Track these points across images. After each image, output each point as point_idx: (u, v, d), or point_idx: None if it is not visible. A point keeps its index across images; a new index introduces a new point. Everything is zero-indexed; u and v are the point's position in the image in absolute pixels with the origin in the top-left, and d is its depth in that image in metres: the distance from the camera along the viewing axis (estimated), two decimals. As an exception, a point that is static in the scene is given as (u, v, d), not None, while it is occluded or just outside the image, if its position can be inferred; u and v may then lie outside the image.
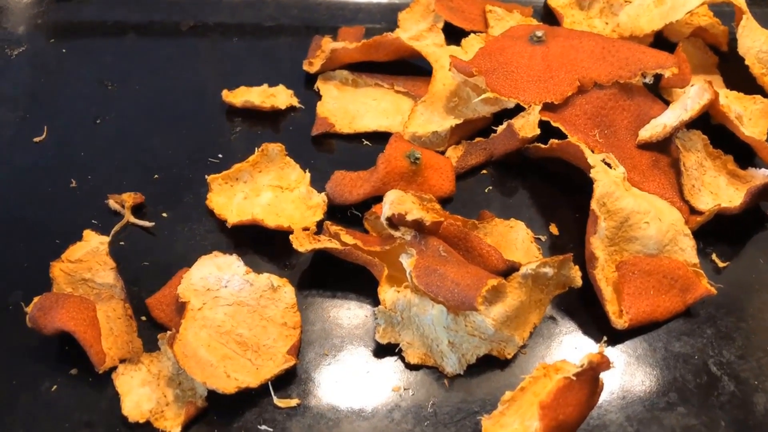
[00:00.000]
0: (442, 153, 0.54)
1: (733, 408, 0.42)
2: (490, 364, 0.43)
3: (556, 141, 0.50)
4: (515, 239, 0.48)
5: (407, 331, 0.43)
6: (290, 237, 0.45)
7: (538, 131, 0.51)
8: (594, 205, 0.45)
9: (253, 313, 0.44)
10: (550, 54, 0.54)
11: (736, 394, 0.43)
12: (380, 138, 0.55)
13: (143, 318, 0.46)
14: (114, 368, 0.43)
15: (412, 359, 0.43)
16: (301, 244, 0.45)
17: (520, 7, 0.65)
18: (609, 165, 0.48)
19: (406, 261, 0.42)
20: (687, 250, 0.47)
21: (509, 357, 0.43)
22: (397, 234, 0.45)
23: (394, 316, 0.43)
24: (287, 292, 0.44)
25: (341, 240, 0.45)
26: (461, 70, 0.53)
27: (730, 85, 0.60)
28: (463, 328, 0.42)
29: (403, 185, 0.49)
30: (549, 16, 0.67)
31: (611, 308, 0.45)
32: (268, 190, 0.51)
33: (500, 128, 0.53)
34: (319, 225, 0.49)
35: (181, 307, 0.44)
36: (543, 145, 0.51)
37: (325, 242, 0.45)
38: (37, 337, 0.43)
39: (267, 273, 0.45)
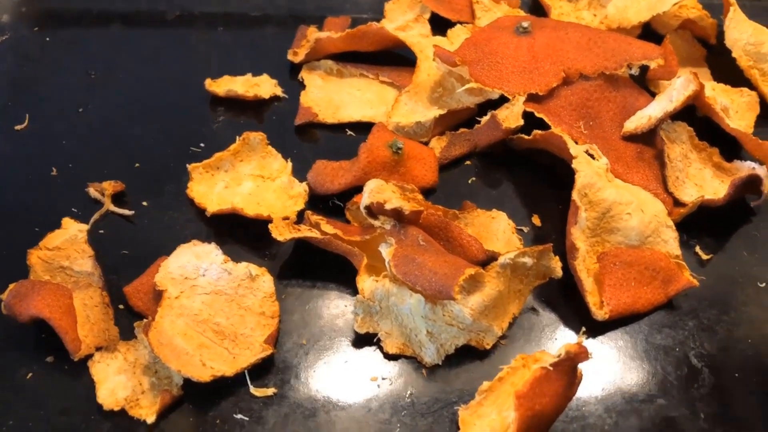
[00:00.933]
0: (426, 143, 0.54)
1: (713, 400, 0.42)
2: (469, 354, 0.43)
3: (539, 132, 0.50)
4: (496, 230, 0.47)
5: (386, 321, 0.43)
6: (269, 226, 0.45)
7: (521, 122, 0.51)
8: (575, 195, 0.45)
9: (230, 302, 0.44)
10: (536, 45, 0.53)
11: (716, 386, 0.43)
12: (364, 128, 0.54)
13: (121, 306, 0.45)
14: (90, 356, 0.42)
15: (391, 349, 0.43)
16: (281, 233, 0.44)
17: (508, -1, 0.65)
18: (592, 156, 0.48)
19: (385, 250, 0.42)
20: (669, 241, 0.47)
21: (488, 347, 0.43)
22: (376, 223, 0.45)
23: (372, 306, 0.43)
24: (266, 281, 0.44)
25: (321, 229, 0.45)
26: (445, 59, 0.52)
27: (718, 77, 0.60)
28: (441, 318, 0.42)
29: (385, 175, 0.49)
30: (537, 8, 0.67)
31: (592, 299, 0.44)
32: (249, 180, 0.51)
33: (484, 119, 0.52)
34: (300, 215, 0.48)
35: (158, 296, 0.43)
36: (526, 136, 0.51)
37: (304, 231, 0.45)
38: (14, 324, 0.43)
39: (245, 262, 0.45)
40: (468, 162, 0.54)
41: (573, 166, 0.46)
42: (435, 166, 0.52)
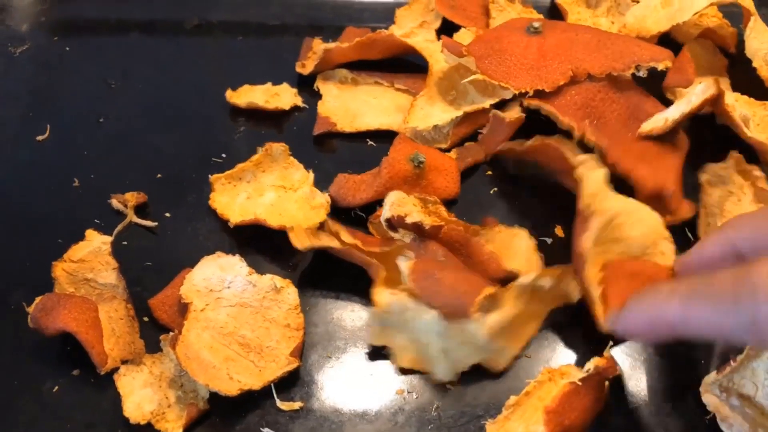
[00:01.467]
0: (447, 150, 0.54)
1: (739, 413, 0.42)
2: (494, 367, 0.43)
3: (537, 139, 0.50)
4: (518, 248, 0.47)
5: (400, 335, 0.43)
6: (289, 234, 0.45)
7: (522, 114, 0.51)
8: (582, 204, 0.44)
9: (255, 314, 0.44)
10: (545, 44, 0.53)
11: (742, 398, 0.42)
12: (383, 136, 0.55)
13: (146, 319, 0.45)
14: (116, 369, 0.42)
15: (403, 363, 0.43)
16: (301, 241, 0.44)
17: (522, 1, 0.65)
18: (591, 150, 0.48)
19: (404, 264, 0.42)
20: (667, 253, 0.46)
21: (500, 368, 0.42)
22: (396, 236, 0.45)
23: (387, 319, 0.42)
24: (290, 293, 0.44)
25: (341, 238, 0.44)
26: (452, 49, 0.53)
27: (740, 89, 0.59)
28: (456, 336, 0.41)
29: (407, 188, 0.49)
30: (556, 14, 0.67)
31: (598, 310, 0.44)
32: (272, 190, 0.51)
33: (487, 125, 0.53)
34: (322, 226, 0.48)
35: (183, 308, 0.44)
36: (518, 145, 0.51)
37: (324, 240, 0.45)
38: (39, 337, 0.43)
39: (270, 274, 0.45)
40: (489, 172, 0.54)
41: (576, 175, 0.46)
42: (457, 177, 0.52)
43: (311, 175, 0.50)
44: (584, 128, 0.50)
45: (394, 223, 0.44)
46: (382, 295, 0.42)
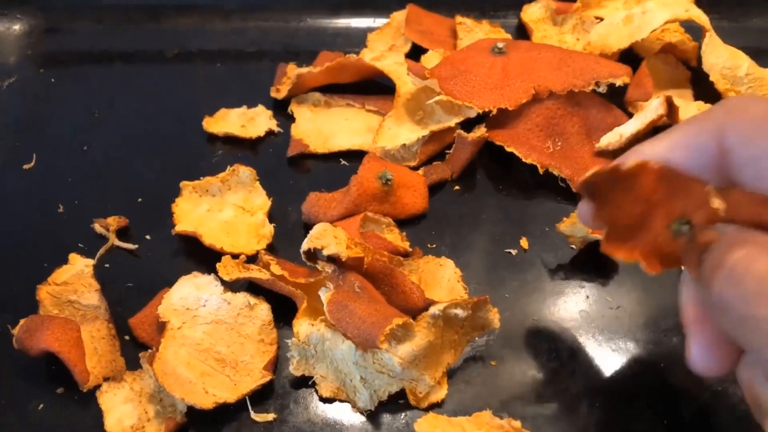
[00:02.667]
0: (415, 168, 0.56)
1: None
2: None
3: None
4: (441, 278, 0.48)
5: (321, 365, 0.44)
6: (217, 265, 0.47)
7: (486, 134, 0.54)
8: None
9: (230, 330, 0.46)
10: (509, 64, 0.56)
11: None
12: (355, 156, 0.57)
13: (126, 337, 0.47)
14: (98, 386, 0.44)
15: (325, 392, 0.44)
16: (228, 273, 0.46)
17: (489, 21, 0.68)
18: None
19: (323, 295, 0.43)
20: None
21: (421, 396, 0.43)
22: (317, 267, 0.46)
23: (307, 350, 0.44)
24: (263, 309, 0.46)
25: (270, 270, 0.46)
26: (416, 72, 0.55)
27: (704, 99, 0.61)
28: (372, 365, 0.42)
29: (376, 205, 0.51)
30: (523, 32, 0.69)
31: None
32: (231, 209, 0.53)
33: (453, 146, 0.55)
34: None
35: (162, 327, 0.46)
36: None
37: (252, 272, 0.46)
38: (25, 358, 0.45)
39: (243, 292, 0.47)
40: (457, 187, 0.56)
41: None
42: (425, 193, 0.54)
43: (269, 204, 0.53)
44: (547, 164, 0.53)
45: (312, 256, 0.45)
46: (301, 326, 0.44)
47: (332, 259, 0.45)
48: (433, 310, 0.42)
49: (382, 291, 0.46)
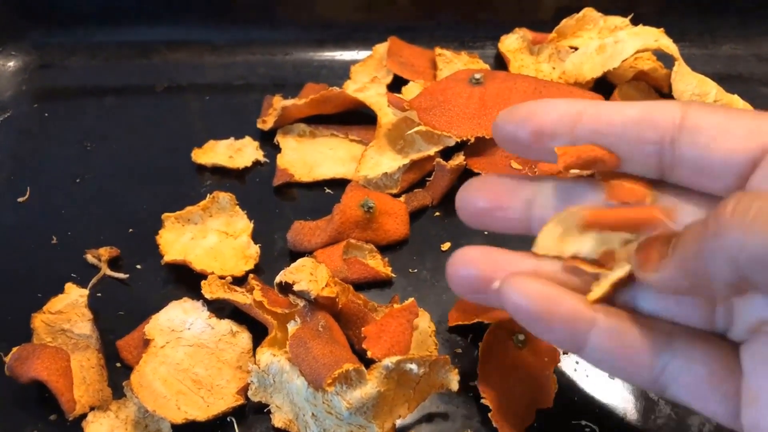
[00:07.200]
0: (397, 195, 0.58)
1: (669, 430, 0.45)
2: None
3: None
4: (414, 329, 0.47)
5: (278, 395, 0.45)
6: (202, 283, 0.48)
7: (464, 162, 0.56)
8: None
9: (211, 355, 0.47)
10: (486, 94, 0.58)
11: (672, 417, 0.46)
12: (339, 184, 0.59)
13: (118, 365, 0.49)
14: (85, 415, 0.46)
15: (278, 423, 0.44)
16: (211, 291, 0.47)
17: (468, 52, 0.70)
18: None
19: (290, 329, 0.44)
20: None
21: None
22: (289, 300, 0.47)
23: (266, 378, 0.45)
24: (244, 338, 0.48)
25: (252, 295, 0.47)
26: (395, 104, 0.58)
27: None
28: (321, 405, 0.42)
29: (359, 232, 0.53)
30: (501, 62, 0.71)
31: None
32: (215, 234, 0.55)
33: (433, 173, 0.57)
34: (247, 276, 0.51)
35: (146, 344, 0.47)
36: None
37: (233, 294, 0.48)
38: (20, 385, 0.46)
39: (228, 319, 0.49)
40: (437, 213, 0.58)
41: None
42: (406, 220, 0.56)
43: (251, 226, 0.55)
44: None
45: (284, 289, 0.46)
46: (263, 354, 0.45)
47: (304, 295, 0.46)
48: (386, 362, 0.41)
49: (352, 333, 0.47)
